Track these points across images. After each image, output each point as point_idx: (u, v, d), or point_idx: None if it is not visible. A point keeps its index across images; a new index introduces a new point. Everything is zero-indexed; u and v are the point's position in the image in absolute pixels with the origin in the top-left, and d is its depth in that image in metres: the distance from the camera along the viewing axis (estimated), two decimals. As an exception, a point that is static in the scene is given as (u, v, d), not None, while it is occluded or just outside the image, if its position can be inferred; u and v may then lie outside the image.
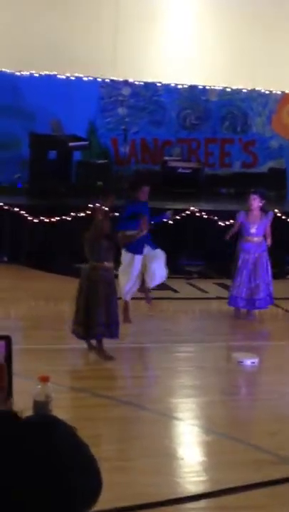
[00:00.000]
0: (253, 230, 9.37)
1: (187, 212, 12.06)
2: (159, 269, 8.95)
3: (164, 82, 14.54)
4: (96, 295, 7.52)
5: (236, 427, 6.26)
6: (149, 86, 14.50)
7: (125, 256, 8.75)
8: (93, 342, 7.71)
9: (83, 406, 6.36)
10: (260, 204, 9.36)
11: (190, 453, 5.88)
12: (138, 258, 8.76)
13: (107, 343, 7.72)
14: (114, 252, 7.80)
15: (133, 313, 9.11)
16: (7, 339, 2.92)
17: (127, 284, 8.80)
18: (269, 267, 9.46)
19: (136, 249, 8.67)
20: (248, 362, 7.78)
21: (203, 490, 5.15)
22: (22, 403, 3.01)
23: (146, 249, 8.83)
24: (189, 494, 5.08)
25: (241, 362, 7.78)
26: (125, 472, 5.27)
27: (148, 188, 9.04)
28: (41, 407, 3.06)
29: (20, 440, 1.60)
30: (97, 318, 7.50)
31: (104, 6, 14.07)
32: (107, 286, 7.57)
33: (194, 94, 14.80)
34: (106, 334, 7.60)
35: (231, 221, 12.03)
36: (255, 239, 9.40)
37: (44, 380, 3.16)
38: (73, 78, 14.07)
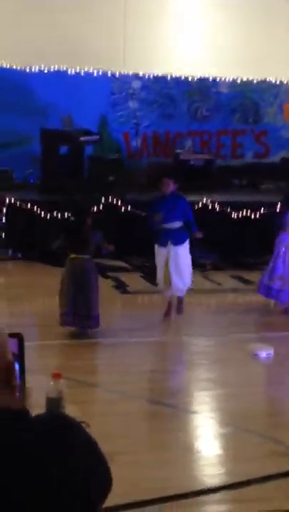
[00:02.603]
0: None
1: (200, 204, 12.04)
2: (178, 282, 8.98)
3: (174, 75, 14.49)
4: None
5: (252, 420, 6.25)
6: (159, 79, 14.45)
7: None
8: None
9: (98, 401, 6.37)
10: None
11: (206, 446, 5.88)
12: (160, 250, 8.84)
13: (121, 337, 7.72)
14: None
15: (147, 307, 9.11)
16: (19, 337, 2.93)
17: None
18: None
19: (157, 240, 8.82)
20: (263, 354, 7.76)
21: (219, 483, 5.15)
22: (36, 399, 3.03)
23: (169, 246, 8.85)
24: (206, 487, 5.08)
25: (257, 354, 7.76)
26: (142, 466, 5.28)
27: (168, 179, 9.02)
28: (54, 403, 3.07)
29: (35, 441, 1.59)
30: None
31: (113, 0, 14.02)
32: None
33: (205, 86, 14.75)
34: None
35: (244, 212, 12.05)
36: None
37: (56, 376, 3.16)
38: (83, 73, 14.05)
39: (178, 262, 8.86)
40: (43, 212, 11.51)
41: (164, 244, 8.81)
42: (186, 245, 8.92)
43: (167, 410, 6.38)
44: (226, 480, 5.19)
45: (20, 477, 1.54)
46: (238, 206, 12.21)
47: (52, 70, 13.82)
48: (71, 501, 1.56)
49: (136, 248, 11.14)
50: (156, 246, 8.95)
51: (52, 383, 3.15)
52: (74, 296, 8.01)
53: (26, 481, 1.54)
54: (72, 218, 8.42)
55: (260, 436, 5.86)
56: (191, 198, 11.84)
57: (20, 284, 10.09)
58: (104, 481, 1.66)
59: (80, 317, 8.03)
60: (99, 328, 8.13)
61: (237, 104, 15.01)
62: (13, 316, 8.84)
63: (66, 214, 10.53)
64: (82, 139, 12.91)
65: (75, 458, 1.60)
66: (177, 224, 8.82)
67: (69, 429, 1.66)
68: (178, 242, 8.84)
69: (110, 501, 1.75)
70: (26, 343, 3.03)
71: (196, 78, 14.57)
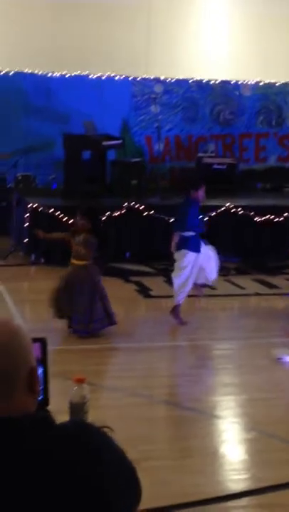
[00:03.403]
0: None
1: (222, 208, 12.00)
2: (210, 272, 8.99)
3: (196, 79, 14.48)
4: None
5: (277, 425, 6.19)
6: (181, 83, 14.45)
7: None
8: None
9: (121, 406, 6.34)
10: None
11: (231, 451, 5.83)
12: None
13: (144, 342, 7.70)
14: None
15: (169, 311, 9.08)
16: (42, 341, 2.92)
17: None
18: None
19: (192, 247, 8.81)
20: (287, 358, 7.71)
21: (244, 488, 5.11)
22: (60, 404, 3.01)
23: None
24: (231, 492, 5.03)
25: (280, 358, 7.71)
26: (165, 472, 5.24)
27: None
28: (77, 408, 3.04)
29: (60, 448, 1.57)
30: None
31: (136, 5, 14.04)
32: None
33: (227, 90, 14.72)
34: None
35: (268, 216, 12.00)
36: None
37: (80, 381, 3.14)
38: (105, 78, 14.08)
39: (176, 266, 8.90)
40: (65, 218, 11.52)
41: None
42: (182, 252, 8.82)
43: (191, 415, 6.34)
44: (251, 485, 5.14)
45: (44, 484, 1.52)
46: (261, 210, 12.15)
47: (74, 75, 13.86)
48: (98, 508, 1.54)
49: (158, 252, 11.11)
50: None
51: (75, 388, 3.12)
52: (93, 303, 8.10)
53: (52, 488, 1.51)
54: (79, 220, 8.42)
55: (285, 441, 5.81)
56: (214, 202, 11.83)
57: (43, 289, 10.06)
58: (132, 487, 1.64)
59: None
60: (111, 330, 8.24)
61: (260, 107, 14.96)
62: (36, 320, 8.85)
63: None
64: (104, 143, 12.93)
65: (101, 465, 1.57)
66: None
67: (93, 435, 1.64)
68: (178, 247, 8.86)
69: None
70: (49, 348, 3.02)
71: (218, 81, 14.55)
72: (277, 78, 14.76)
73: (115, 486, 1.58)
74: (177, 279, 8.85)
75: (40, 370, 2.80)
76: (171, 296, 9.19)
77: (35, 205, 11.71)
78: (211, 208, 11.71)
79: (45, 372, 2.87)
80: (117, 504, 1.56)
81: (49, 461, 1.54)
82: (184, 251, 8.78)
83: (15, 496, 1.49)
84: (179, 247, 8.78)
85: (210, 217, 11.52)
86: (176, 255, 8.86)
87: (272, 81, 14.81)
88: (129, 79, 14.21)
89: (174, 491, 4.94)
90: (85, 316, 8.11)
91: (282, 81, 14.85)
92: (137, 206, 11.88)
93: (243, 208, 12.17)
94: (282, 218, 12.10)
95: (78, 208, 8.68)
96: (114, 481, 1.58)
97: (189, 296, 9.02)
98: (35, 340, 2.88)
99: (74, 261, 8.29)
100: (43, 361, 2.86)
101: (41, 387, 2.79)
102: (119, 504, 1.57)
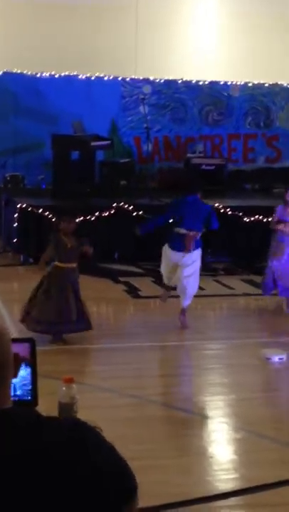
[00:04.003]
0: None
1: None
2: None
3: (184, 79, 14.50)
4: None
5: (266, 424, 6.22)
6: (170, 83, 14.47)
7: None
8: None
9: (111, 406, 6.35)
10: None
11: (220, 451, 5.85)
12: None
13: (133, 342, 7.71)
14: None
15: (159, 311, 9.09)
16: (31, 342, 2.92)
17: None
18: None
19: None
20: (275, 358, 7.73)
21: (233, 487, 5.12)
22: (49, 404, 3.02)
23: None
24: (219, 492, 5.05)
25: (269, 358, 7.73)
26: (155, 471, 5.25)
27: None
28: (67, 408, 3.05)
29: (50, 445, 1.58)
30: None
31: (124, 5, 14.05)
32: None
33: (216, 90, 14.75)
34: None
35: (256, 217, 12.02)
36: None
37: (68, 381, 3.14)
38: (93, 78, 14.08)
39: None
40: (54, 218, 11.51)
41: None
42: (198, 252, 8.80)
43: (181, 415, 6.36)
44: (240, 485, 5.16)
45: (38, 481, 1.53)
46: (250, 211, 12.18)
47: (63, 75, 13.86)
48: (91, 503, 1.55)
49: (148, 253, 11.11)
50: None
51: (64, 388, 3.13)
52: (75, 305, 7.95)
53: (44, 486, 1.52)
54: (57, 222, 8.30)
55: (274, 441, 5.83)
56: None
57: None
58: (126, 482, 1.65)
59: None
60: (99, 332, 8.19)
61: (248, 108, 14.99)
62: (25, 321, 8.83)
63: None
64: (93, 144, 12.93)
65: (93, 461, 1.59)
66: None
67: (85, 432, 1.65)
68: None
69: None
70: (38, 348, 3.02)
71: (207, 82, 14.58)
72: (266, 79, 14.81)
73: (110, 481, 1.59)
74: (195, 282, 8.76)
75: (28, 371, 2.80)
76: (158, 297, 9.21)
77: (24, 205, 11.70)
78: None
79: (33, 373, 2.87)
80: (112, 500, 1.58)
81: (40, 457, 1.55)
82: (199, 250, 8.75)
83: (13, 494, 1.51)
84: (195, 247, 8.66)
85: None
86: (191, 255, 8.66)
87: (261, 82, 14.86)
88: (118, 79, 14.22)
89: (163, 491, 4.95)
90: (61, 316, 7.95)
91: (271, 82, 14.90)
92: (125, 206, 11.89)
93: (232, 208, 12.19)
94: (271, 219, 12.11)
95: (63, 210, 8.59)
96: (108, 476, 1.59)
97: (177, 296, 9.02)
98: (23, 340, 2.89)
99: (62, 264, 8.03)
100: (31, 362, 2.86)
101: (30, 388, 2.80)
102: (115, 500, 1.58)
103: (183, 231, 8.53)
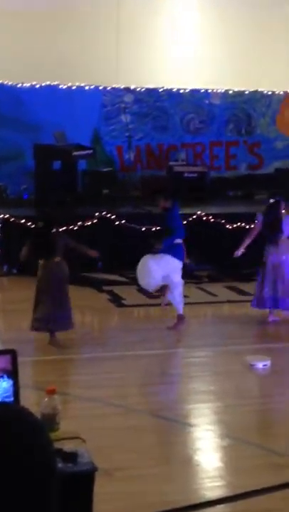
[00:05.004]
0: None
1: (194, 216, 12.04)
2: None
3: (166, 88, 14.54)
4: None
5: (251, 431, 6.22)
6: (151, 92, 14.50)
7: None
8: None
9: (95, 415, 6.33)
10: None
11: (205, 459, 5.84)
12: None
13: (117, 351, 7.70)
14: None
15: (143, 320, 9.08)
16: (12, 353, 2.91)
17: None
18: None
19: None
20: (260, 365, 7.74)
21: (219, 495, 5.12)
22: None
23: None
24: (206, 500, 5.04)
25: (253, 365, 7.74)
26: (141, 481, 5.24)
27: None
28: (49, 419, 3.04)
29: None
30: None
31: (105, 14, 14.08)
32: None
33: (197, 98, 14.79)
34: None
35: (239, 224, 12.05)
36: None
37: (51, 392, 3.13)
38: (75, 88, 14.09)
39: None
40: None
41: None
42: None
43: (166, 423, 6.35)
44: (226, 492, 5.16)
45: None
46: (232, 218, 12.21)
47: (44, 85, 13.86)
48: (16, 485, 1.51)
49: (131, 261, 11.11)
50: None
51: (46, 399, 3.12)
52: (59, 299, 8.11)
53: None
54: (40, 225, 8.59)
55: (259, 447, 5.83)
56: (185, 210, 11.86)
57: (16, 300, 10.05)
58: (45, 458, 1.59)
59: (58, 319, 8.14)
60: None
61: (229, 115, 15.05)
62: (9, 331, 8.82)
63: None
64: (75, 153, 12.93)
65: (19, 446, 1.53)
66: None
67: (13, 416, 1.60)
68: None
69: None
70: (22, 359, 3.02)
71: (187, 90, 14.62)
72: (247, 86, 14.88)
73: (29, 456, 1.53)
74: (177, 288, 8.92)
75: (10, 383, 2.79)
76: (144, 305, 9.21)
77: (7, 215, 11.67)
78: (182, 216, 11.72)
79: (15, 385, 2.86)
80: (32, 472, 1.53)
81: None
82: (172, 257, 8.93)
83: None
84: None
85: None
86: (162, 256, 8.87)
87: (242, 89, 14.92)
88: (100, 89, 14.24)
89: (149, 500, 4.94)
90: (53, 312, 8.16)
91: (251, 89, 14.96)
92: (108, 215, 11.88)
93: (214, 215, 12.22)
94: (253, 225, 12.14)
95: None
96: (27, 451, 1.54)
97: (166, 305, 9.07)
98: (5, 352, 2.88)
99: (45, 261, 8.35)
100: (13, 373, 2.85)
101: (12, 400, 2.79)
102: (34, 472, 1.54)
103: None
